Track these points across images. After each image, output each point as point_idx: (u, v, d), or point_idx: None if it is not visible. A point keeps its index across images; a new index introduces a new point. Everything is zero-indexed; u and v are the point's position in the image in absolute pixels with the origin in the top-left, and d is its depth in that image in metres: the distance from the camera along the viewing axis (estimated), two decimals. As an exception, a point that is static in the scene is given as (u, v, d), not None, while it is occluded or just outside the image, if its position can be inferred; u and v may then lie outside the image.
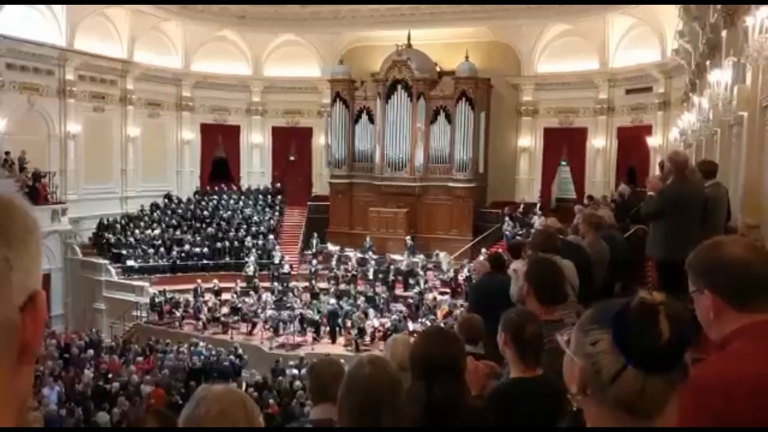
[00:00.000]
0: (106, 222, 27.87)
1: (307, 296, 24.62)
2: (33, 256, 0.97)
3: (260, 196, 32.21)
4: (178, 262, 27.03)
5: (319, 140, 33.59)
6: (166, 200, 30.97)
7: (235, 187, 32.72)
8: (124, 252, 26.66)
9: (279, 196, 32.45)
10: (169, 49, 31.71)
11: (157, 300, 24.38)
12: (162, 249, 27.31)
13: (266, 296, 24.65)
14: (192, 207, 30.89)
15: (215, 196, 32.00)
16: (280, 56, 33.09)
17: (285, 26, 31.83)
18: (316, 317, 22.92)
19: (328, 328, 22.73)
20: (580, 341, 1.44)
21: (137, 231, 28.16)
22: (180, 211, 30.56)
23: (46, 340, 20.30)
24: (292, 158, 34.21)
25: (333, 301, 23.72)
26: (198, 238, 28.36)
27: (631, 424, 1.39)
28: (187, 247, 27.49)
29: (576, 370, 1.43)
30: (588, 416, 1.47)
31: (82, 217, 26.94)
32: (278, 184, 33.22)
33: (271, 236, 29.34)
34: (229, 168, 33.64)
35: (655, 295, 1.40)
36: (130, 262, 26.41)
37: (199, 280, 25.18)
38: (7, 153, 23.21)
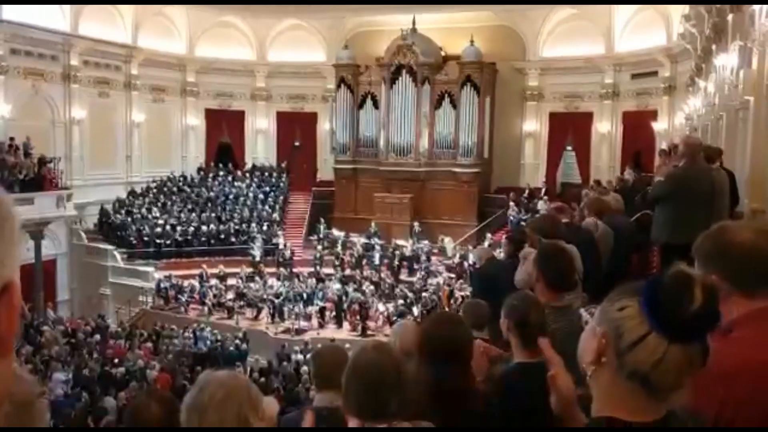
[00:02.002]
0: (111, 206, 27.82)
1: (312, 282, 24.66)
2: (7, 245, 0.92)
3: (264, 180, 32.10)
4: (182, 242, 26.99)
5: (323, 126, 33.48)
6: (172, 174, 31.00)
7: (239, 172, 32.59)
8: (127, 231, 26.66)
9: (284, 176, 32.31)
10: (173, 35, 31.63)
11: (162, 285, 24.46)
12: (167, 228, 27.23)
13: (272, 282, 24.72)
14: (196, 186, 30.88)
15: (220, 174, 31.91)
16: (284, 41, 32.98)
17: (289, 11, 31.67)
18: (321, 303, 23.00)
19: (333, 313, 22.82)
20: (605, 310, 1.45)
21: (143, 209, 28.18)
22: (186, 189, 30.58)
23: (54, 325, 20.46)
24: (296, 144, 34.16)
25: (338, 286, 23.79)
26: (203, 216, 28.37)
27: (645, 398, 1.38)
28: (191, 228, 27.47)
29: (598, 334, 1.43)
30: (598, 387, 1.46)
31: (88, 203, 26.96)
32: (283, 163, 33.12)
33: (275, 215, 29.37)
34: (233, 153, 33.62)
35: (692, 270, 1.43)
36: (134, 243, 26.47)
37: (204, 266, 25.24)
38: (11, 139, 23.24)
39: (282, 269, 26.05)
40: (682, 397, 1.42)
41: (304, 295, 23.21)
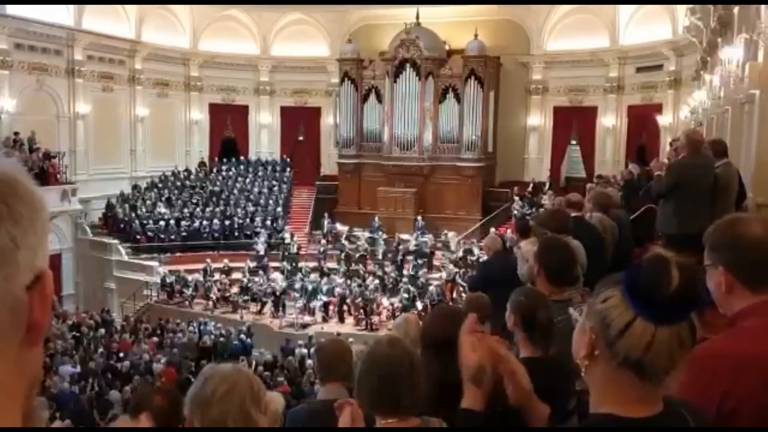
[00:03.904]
0: (116, 200, 27.85)
1: (316, 276, 24.68)
2: (39, 235, 0.94)
3: (268, 173, 32.11)
4: (187, 237, 27.00)
5: (327, 120, 33.50)
6: (176, 169, 31.03)
7: (243, 158, 32.62)
8: (132, 226, 26.68)
9: (288, 170, 32.29)
10: (176, 29, 31.64)
11: (167, 280, 24.50)
12: (171, 222, 27.20)
13: (276, 276, 24.74)
14: (199, 181, 30.90)
15: (223, 168, 31.92)
16: (287, 35, 32.95)
17: (292, 5, 31.61)
18: (325, 297, 23.01)
19: (336, 308, 22.83)
20: (590, 305, 1.49)
21: (148, 203, 28.20)
22: (188, 183, 30.62)
23: (57, 320, 20.49)
24: (300, 138, 34.16)
25: (341, 281, 23.80)
26: (208, 211, 28.39)
27: (640, 386, 1.40)
28: (196, 223, 27.48)
29: (587, 329, 1.46)
30: (594, 381, 1.48)
31: (92, 197, 27.02)
32: (287, 158, 33.09)
33: (279, 209, 29.40)
34: (237, 148, 33.64)
35: (667, 252, 1.48)
36: (139, 237, 26.50)
37: (208, 260, 25.24)
38: (16, 133, 23.29)
39: (286, 263, 26.03)
40: (676, 379, 1.44)
41: (308, 289, 23.21)
